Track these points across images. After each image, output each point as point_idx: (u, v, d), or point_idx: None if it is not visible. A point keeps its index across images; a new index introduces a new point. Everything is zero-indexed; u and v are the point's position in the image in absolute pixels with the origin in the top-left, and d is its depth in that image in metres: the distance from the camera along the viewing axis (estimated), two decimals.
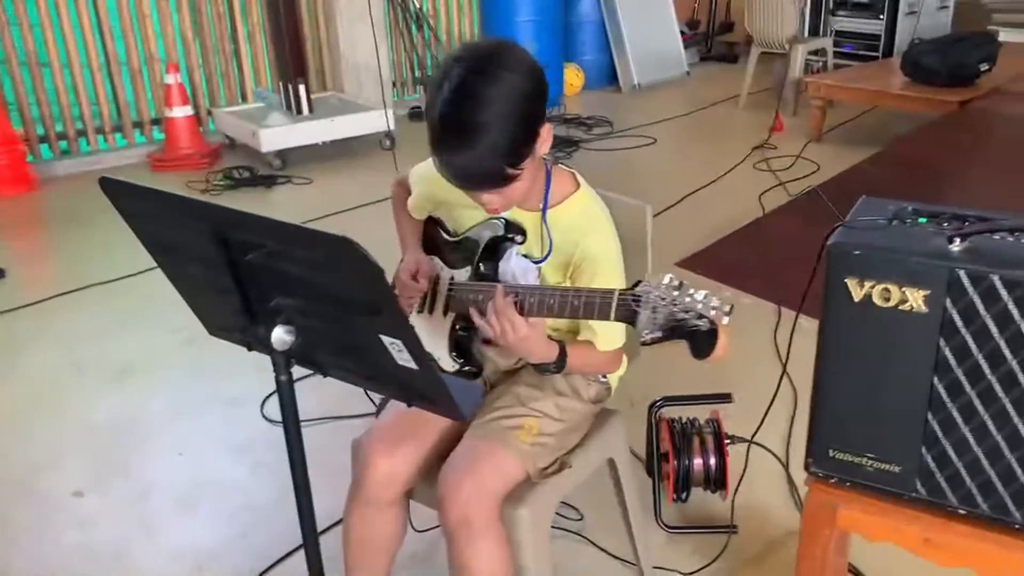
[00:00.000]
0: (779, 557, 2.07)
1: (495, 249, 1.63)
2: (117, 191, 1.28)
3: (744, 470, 2.20)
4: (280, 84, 5.40)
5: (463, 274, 1.66)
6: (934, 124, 4.58)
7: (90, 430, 2.67)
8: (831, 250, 1.33)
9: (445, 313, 1.69)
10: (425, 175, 1.77)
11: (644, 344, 1.27)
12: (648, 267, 1.79)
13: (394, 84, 6.45)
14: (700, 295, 1.21)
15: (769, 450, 2.39)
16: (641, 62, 6.93)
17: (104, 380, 2.95)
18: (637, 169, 5.10)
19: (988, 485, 1.34)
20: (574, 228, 1.57)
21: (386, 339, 1.15)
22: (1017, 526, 1.33)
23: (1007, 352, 1.25)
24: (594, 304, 1.33)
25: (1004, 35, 6.53)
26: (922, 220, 1.41)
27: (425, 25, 6.34)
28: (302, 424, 2.66)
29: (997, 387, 1.28)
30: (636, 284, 1.28)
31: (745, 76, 6.33)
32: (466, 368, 1.65)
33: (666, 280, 1.24)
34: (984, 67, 4.93)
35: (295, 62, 5.40)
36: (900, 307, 1.31)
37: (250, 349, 1.44)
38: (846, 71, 5.61)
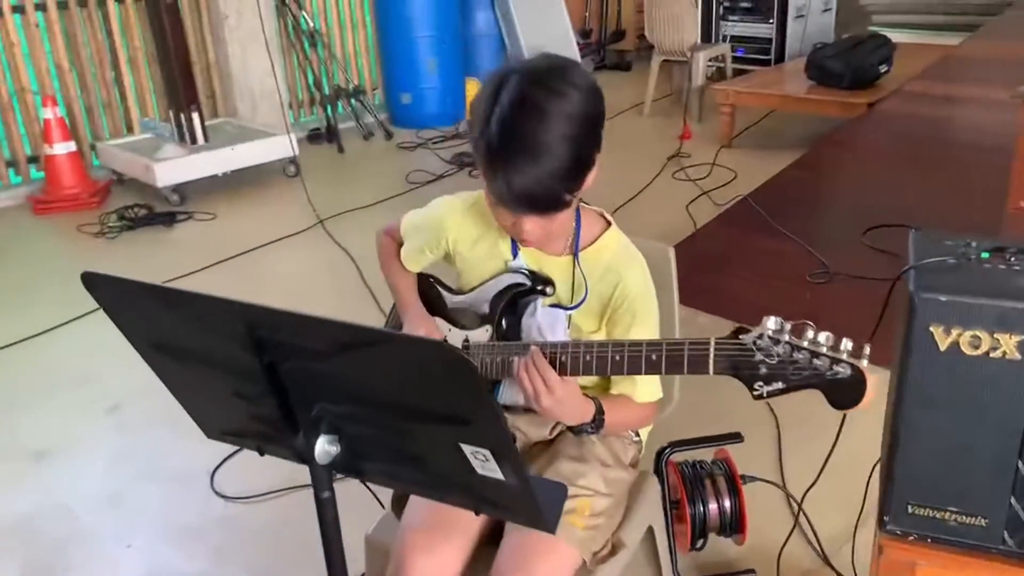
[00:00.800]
0: None
1: (515, 304, 1.47)
2: (107, 289, 1.05)
3: (793, 528, 2.11)
4: (171, 113, 5.03)
5: (481, 334, 1.49)
6: (847, 126, 4.68)
7: (14, 526, 2.33)
8: (916, 298, 1.23)
9: None
10: (423, 224, 1.59)
11: (759, 398, 1.13)
12: (675, 312, 1.66)
13: (290, 105, 6.15)
14: (823, 336, 1.09)
15: (768, 481, 2.30)
16: None
17: (21, 463, 2.59)
18: None
19: None
20: (612, 268, 1.44)
21: (468, 448, 0.97)
22: None
23: None
24: (681, 357, 1.18)
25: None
26: (985, 255, 1.33)
27: (319, 43, 6.06)
28: (255, 499, 2.42)
29: None
30: (736, 332, 1.15)
31: (647, 84, 6.34)
32: None
33: (772, 323, 1.11)
34: (883, 68, 5.08)
35: (186, 88, 5.04)
36: (991, 354, 1.22)
37: (262, 454, 1.24)
38: (752, 76, 5.69)
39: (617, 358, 1.24)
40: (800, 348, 1.10)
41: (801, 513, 2.18)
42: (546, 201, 1.28)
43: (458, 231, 1.52)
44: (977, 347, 1.23)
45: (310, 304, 3.70)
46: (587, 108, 1.27)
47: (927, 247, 1.36)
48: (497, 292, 1.47)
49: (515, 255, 1.46)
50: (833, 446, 1.54)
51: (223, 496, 2.40)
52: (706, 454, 2.12)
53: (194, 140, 4.98)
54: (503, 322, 1.46)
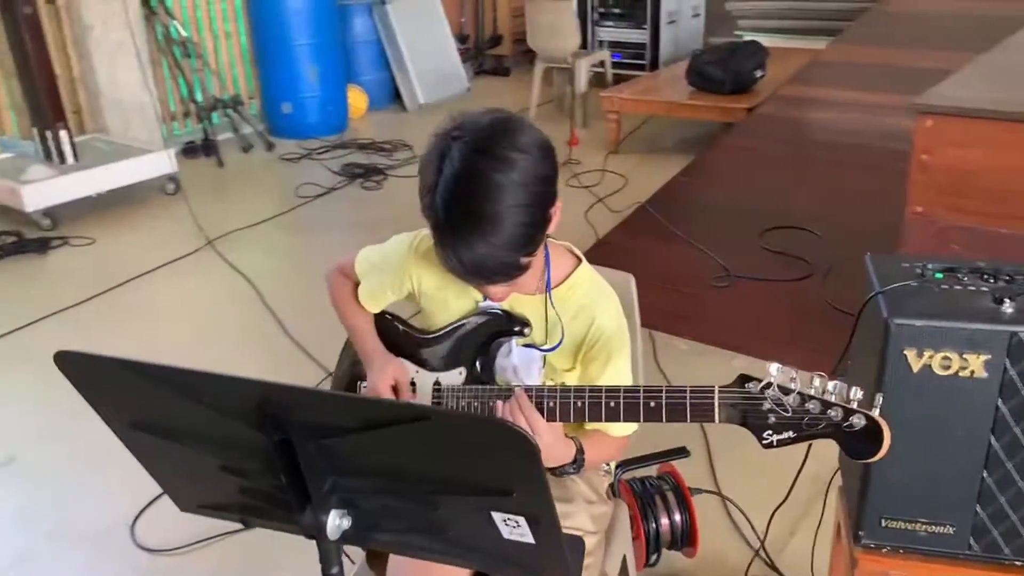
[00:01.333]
0: None
1: (488, 344, 1.44)
2: (85, 368, 0.95)
3: (758, 550, 2.14)
4: (35, 130, 4.68)
5: (453, 377, 1.45)
6: (732, 131, 4.85)
7: None
8: (891, 324, 1.28)
9: None
10: (383, 264, 1.53)
11: (769, 447, 1.14)
12: (638, 339, 1.67)
13: (162, 119, 5.84)
14: (832, 385, 1.10)
15: (713, 492, 2.36)
16: (424, 80, 6.80)
17: None
18: None
19: None
20: (585, 306, 1.43)
21: (499, 516, 0.94)
22: None
23: None
24: (683, 405, 1.17)
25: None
26: (938, 275, 1.40)
27: (192, 53, 5.78)
28: (183, 550, 2.28)
29: None
30: (741, 380, 1.15)
31: (529, 90, 6.37)
32: None
33: (776, 371, 1.12)
34: (759, 74, 5.30)
35: (52, 104, 4.70)
36: (960, 374, 1.29)
37: (248, 527, 1.16)
38: (635, 83, 5.81)
39: (612, 404, 1.23)
40: (811, 398, 1.10)
41: (748, 521, 2.24)
42: (500, 272, 1.26)
43: (423, 273, 1.48)
44: (947, 368, 1.29)
45: (211, 334, 3.52)
46: (537, 170, 1.23)
47: (886, 270, 1.42)
48: (470, 333, 1.43)
49: (485, 296, 1.43)
50: (799, 470, 1.58)
51: (147, 549, 2.25)
52: (649, 469, 2.15)
53: (63, 159, 4.66)
54: (476, 364, 1.43)
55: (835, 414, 1.09)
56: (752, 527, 2.22)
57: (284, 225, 4.59)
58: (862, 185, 4.12)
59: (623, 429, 1.44)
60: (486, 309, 1.44)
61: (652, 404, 1.20)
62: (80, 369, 0.96)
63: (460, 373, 1.43)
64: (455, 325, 1.45)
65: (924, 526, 1.40)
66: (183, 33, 5.73)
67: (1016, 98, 2.45)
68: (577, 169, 5.26)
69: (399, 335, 1.54)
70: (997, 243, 2.48)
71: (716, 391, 1.16)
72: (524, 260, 1.27)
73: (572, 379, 1.46)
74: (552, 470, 1.38)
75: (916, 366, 1.30)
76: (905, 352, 1.29)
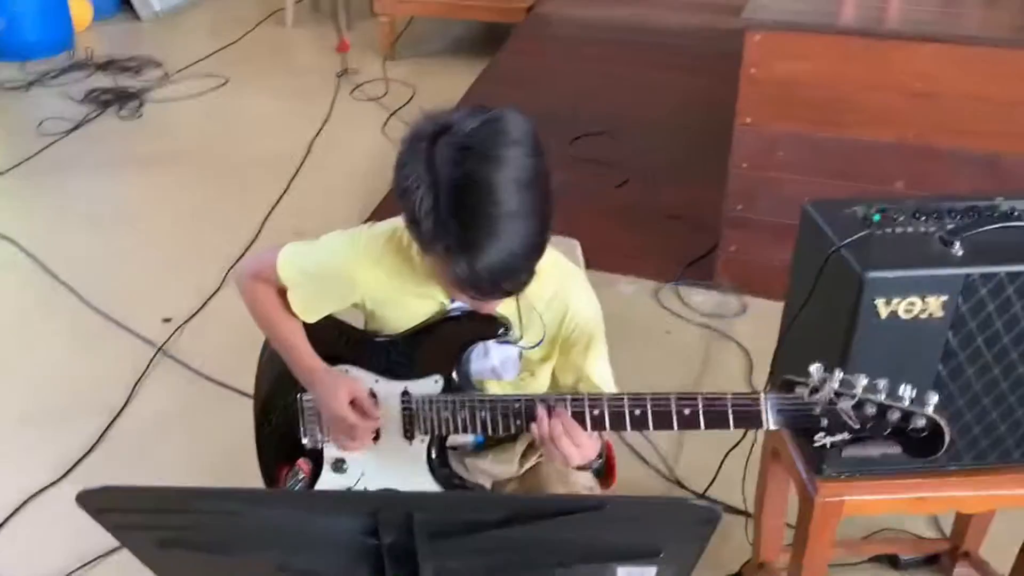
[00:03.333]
0: None
1: (465, 348, 1.34)
2: (131, 503, 0.76)
3: None
4: None
5: (427, 385, 1.33)
6: (517, 35, 4.77)
7: None
8: (865, 277, 1.34)
9: (410, 436, 1.36)
10: (321, 274, 1.37)
11: (821, 449, 1.15)
12: None
13: None
14: (882, 383, 1.11)
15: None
16: None
17: None
18: (232, 121, 4.50)
19: (973, 440, 1.52)
20: (556, 295, 1.37)
21: (625, 570, 0.89)
22: (990, 466, 1.55)
23: (1004, 333, 1.41)
24: (724, 413, 1.15)
25: None
26: (876, 217, 1.48)
27: None
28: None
29: (991, 360, 1.44)
30: (786, 384, 1.14)
31: None
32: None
33: (815, 372, 1.12)
34: None
35: None
36: (920, 316, 1.38)
37: None
38: None
39: (637, 413, 1.19)
40: (867, 402, 1.09)
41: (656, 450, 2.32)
42: (520, 280, 1.18)
43: (373, 278, 1.34)
44: (910, 312, 1.38)
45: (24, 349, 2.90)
46: (536, 163, 1.16)
47: (833, 219, 1.48)
48: (446, 338, 1.32)
49: (453, 299, 1.32)
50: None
51: None
52: None
53: None
54: (455, 372, 1.33)
55: (894, 417, 1.09)
56: (658, 452, 2.31)
57: (38, 171, 3.94)
58: (655, 84, 4.26)
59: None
60: (458, 311, 1.33)
61: (687, 412, 1.16)
62: (115, 505, 0.76)
63: (436, 381, 1.32)
64: (425, 329, 1.33)
65: None
66: None
67: (839, 10, 2.60)
68: (357, 79, 4.96)
69: (343, 340, 1.40)
70: (819, 147, 2.68)
71: (763, 398, 1.14)
72: (535, 266, 1.18)
73: (547, 368, 1.42)
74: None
75: (884, 313, 1.37)
76: (876, 302, 1.36)
